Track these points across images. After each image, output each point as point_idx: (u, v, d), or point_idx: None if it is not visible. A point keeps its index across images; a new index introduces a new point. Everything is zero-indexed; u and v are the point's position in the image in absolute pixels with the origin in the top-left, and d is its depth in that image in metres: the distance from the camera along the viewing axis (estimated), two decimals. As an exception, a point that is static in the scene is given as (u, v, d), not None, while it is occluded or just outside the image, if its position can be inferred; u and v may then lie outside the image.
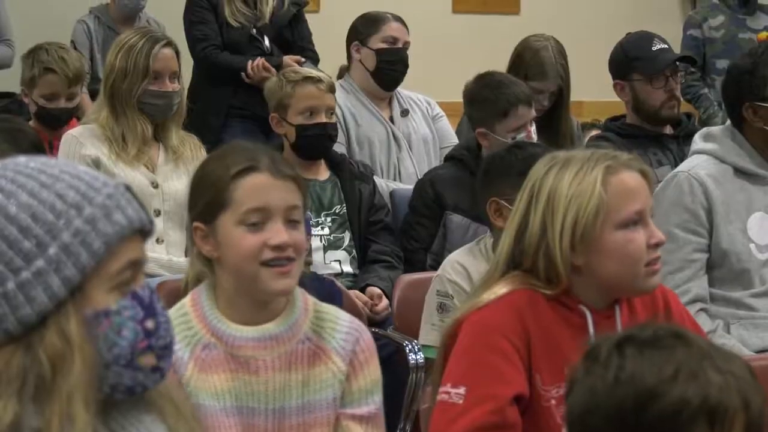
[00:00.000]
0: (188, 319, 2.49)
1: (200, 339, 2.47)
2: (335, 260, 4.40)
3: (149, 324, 1.67)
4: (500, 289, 2.49)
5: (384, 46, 5.10)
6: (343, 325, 2.54)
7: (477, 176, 3.70)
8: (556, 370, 2.43)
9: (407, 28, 5.19)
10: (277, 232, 2.43)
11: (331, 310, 2.59)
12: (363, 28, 5.15)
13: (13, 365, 1.57)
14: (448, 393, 2.44)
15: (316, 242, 4.36)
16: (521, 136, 4.35)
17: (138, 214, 1.67)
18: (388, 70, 5.09)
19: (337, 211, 4.44)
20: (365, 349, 2.54)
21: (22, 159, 1.67)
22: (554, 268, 2.44)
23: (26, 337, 1.59)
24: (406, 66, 5.13)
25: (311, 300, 2.58)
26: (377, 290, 4.26)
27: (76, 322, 1.60)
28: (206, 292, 2.51)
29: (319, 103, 4.40)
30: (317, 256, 4.36)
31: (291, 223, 2.46)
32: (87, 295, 1.63)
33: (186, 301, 2.52)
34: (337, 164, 4.52)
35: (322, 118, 4.40)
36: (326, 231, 4.40)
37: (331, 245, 4.40)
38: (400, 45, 5.13)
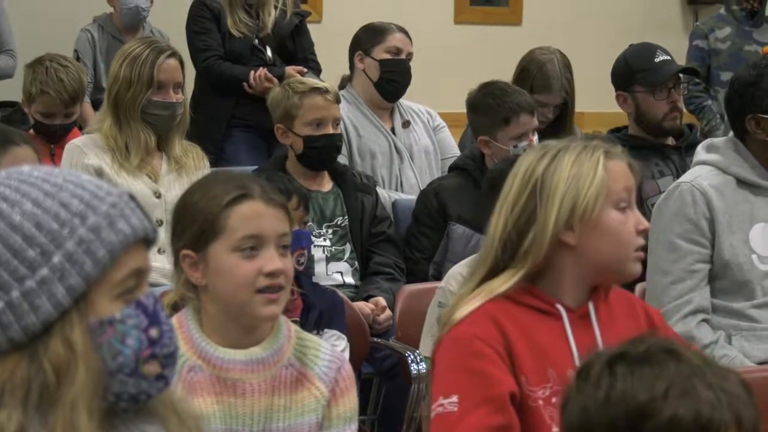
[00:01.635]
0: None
1: (186, 361, 2.48)
2: (337, 272, 4.40)
3: (153, 332, 1.68)
4: (471, 306, 2.49)
5: (388, 56, 5.10)
6: (325, 353, 2.59)
7: (483, 188, 3.69)
8: (540, 370, 2.44)
9: (411, 39, 5.19)
10: (271, 259, 2.47)
11: (313, 338, 2.64)
12: (367, 38, 5.15)
13: (18, 374, 1.57)
14: (442, 405, 2.43)
15: (318, 253, 4.36)
16: (523, 144, 4.37)
17: (142, 222, 1.68)
18: (392, 80, 5.09)
19: (338, 223, 4.44)
20: (346, 378, 2.59)
21: (25, 168, 1.67)
22: (538, 248, 2.45)
23: (31, 346, 1.59)
24: (410, 77, 5.14)
25: (293, 327, 2.63)
26: (382, 300, 4.25)
27: (81, 330, 1.60)
28: (191, 315, 2.53)
29: (327, 114, 4.42)
30: (319, 267, 4.36)
31: (283, 249, 2.49)
32: (91, 303, 1.62)
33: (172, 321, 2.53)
34: (340, 175, 4.52)
35: (329, 129, 4.42)
36: (327, 243, 4.40)
37: (333, 257, 4.40)
38: (403, 56, 5.13)
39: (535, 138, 4.43)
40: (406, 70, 5.12)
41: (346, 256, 4.43)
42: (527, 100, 4.46)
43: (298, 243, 3.37)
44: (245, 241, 2.46)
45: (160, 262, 3.93)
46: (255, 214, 2.47)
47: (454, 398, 2.41)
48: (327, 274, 4.37)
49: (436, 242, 4.39)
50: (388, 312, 4.22)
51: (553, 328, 2.51)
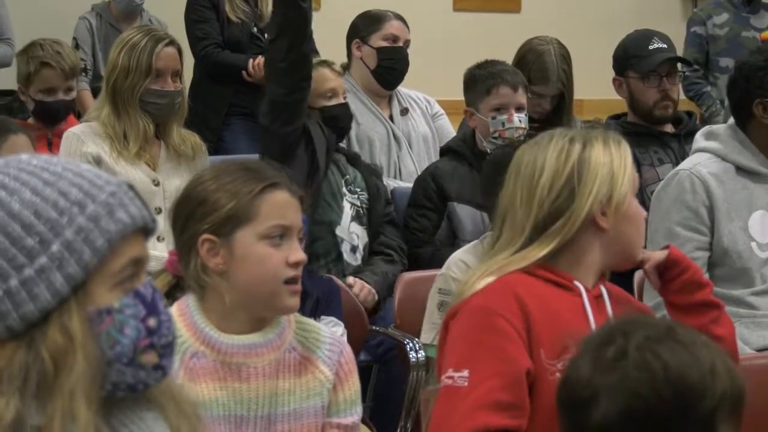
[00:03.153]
0: (176, 327, 2.49)
1: (188, 347, 2.48)
2: (356, 233, 4.42)
3: (151, 322, 1.67)
4: (491, 276, 2.51)
5: (385, 44, 5.10)
6: (326, 337, 2.60)
7: (484, 180, 3.67)
8: (558, 342, 2.43)
9: (408, 27, 5.19)
10: (296, 250, 2.49)
11: (311, 322, 2.65)
12: (364, 25, 5.15)
13: (15, 362, 1.57)
14: (451, 378, 2.41)
15: (347, 208, 4.41)
16: (502, 118, 4.41)
17: (141, 211, 1.67)
18: (389, 68, 5.09)
19: (359, 194, 4.48)
20: (348, 361, 2.61)
21: (24, 156, 1.67)
22: (570, 228, 2.50)
23: (28, 334, 1.58)
24: (407, 64, 5.13)
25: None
26: (355, 283, 4.26)
27: (79, 319, 1.60)
28: (194, 302, 2.52)
29: (337, 85, 4.52)
30: (344, 221, 4.40)
31: (299, 241, 2.51)
32: (89, 292, 1.62)
33: (172, 311, 2.49)
34: (353, 158, 4.59)
35: (341, 100, 4.52)
36: (358, 202, 4.46)
37: (357, 217, 4.44)
38: (401, 43, 5.13)
39: (517, 117, 4.43)
40: (403, 57, 5.12)
41: (364, 222, 4.48)
42: (514, 77, 4.51)
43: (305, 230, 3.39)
44: (274, 229, 2.46)
45: (159, 250, 3.92)
46: (285, 204, 2.49)
47: (465, 372, 2.40)
48: (349, 231, 4.39)
49: (436, 223, 4.42)
50: (365, 289, 4.23)
51: (571, 303, 2.52)
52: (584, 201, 2.50)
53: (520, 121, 4.45)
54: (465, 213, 4.36)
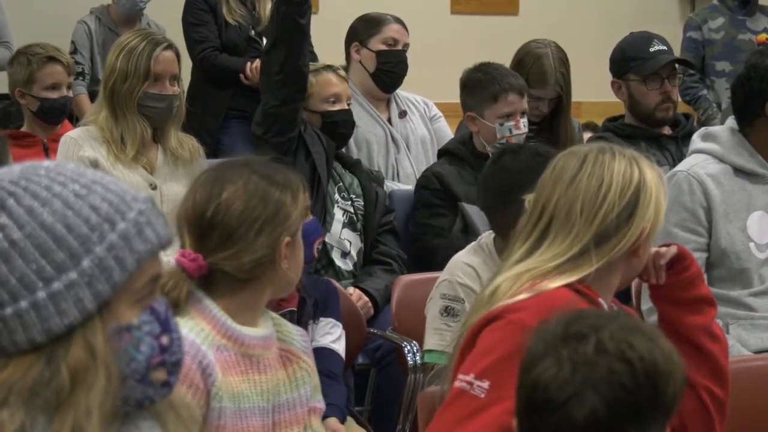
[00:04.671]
0: (197, 322, 2.53)
1: (212, 341, 2.52)
2: (348, 240, 4.42)
3: (164, 340, 1.67)
4: (537, 281, 2.45)
5: (384, 47, 5.10)
6: (295, 329, 2.74)
7: (490, 192, 3.61)
8: None
9: (407, 30, 5.19)
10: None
11: (275, 315, 2.75)
12: (363, 29, 5.14)
13: (30, 375, 1.55)
14: (470, 383, 2.36)
15: (338, 214, 4.42)
16: (509, 124, 4.41)
17: (165, 230, 1.67)
18: (388, 72, 5.09)
19: (354, 199, 4.47)
20: (311, 351, 2.76)
21: (50, 164, 1.64)
22: (622, 249, 2.47)
23: (49, 348, 1.57)
24: (406, 67, 5.13)
25: None
26: (355, 293, 4.26)
27: (103, 336, 1.59)
28: (205, 299, 2.56)
29: (340, 90, 4.53)
30: (335, 228, 4.40)
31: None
32: (113, 309, 1.61)
33: (187, 307, 2.54)
34: (354, 164, 4.58)
35: (344, 105, 4.52)
36: (351, 209, 4.44)
37: (349, 223, 4.43)
38: (400, 47, 5.13)
39: (522, 121, 4.44)
40: (402, 61, 5.12)
41: (358, 229, 4.46)
42: (519, 82, 4.51)
43: (317, 232, 3.41)
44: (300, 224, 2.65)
45: (166, 256, 3.92)
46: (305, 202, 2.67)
47: (485, 384, 2.34)
48: (339, 237, 4.39)
49: (453, 221, 4.39)
50: (362, 301, 4.23)
51: None
52: (640, 224, 2.47)
53: (524, 126, 4.46)
54: (474, 212, 4.34)
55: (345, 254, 4.40)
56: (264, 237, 2.56)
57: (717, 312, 2.71)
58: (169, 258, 3.83)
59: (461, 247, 3.94)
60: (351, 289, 4.26)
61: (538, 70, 4.93)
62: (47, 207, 1.58)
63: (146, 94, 4.11)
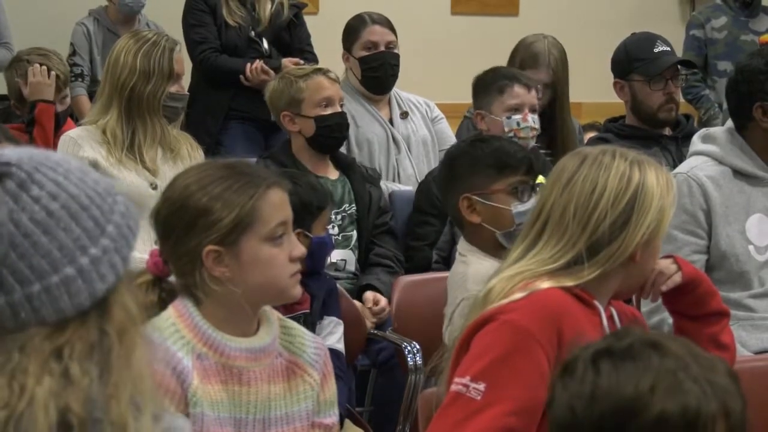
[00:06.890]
0: (178, 328, 2.50)
1: (193, 348, 2.49)
2: (341, 259, 4.40)
3: None
4: (530, 282, 2.45)
5: (365, 53, 5.09)
6: (310, 340, 2.64)
7: (439, 175, 3.66)
8: None
9: (390, 27, 5.15)
10: (296, 245, 2.53)
11: (294, 324, 2.67)
12: (346, 37, 5.18)
13: (85, 338, 1.59)
14: (466, 386, 2.36)
15: (332, 231, 4.39)
16: (517, 117, 4.40)
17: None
18: (372, 77, 5.08)
19: (346, 210, 4.45)
20: (328, 363, 2.66)
21: (57, 155, 1.69)
22: (622, 253, 2.45)
23: (95, 312, 1.61)
24: (392, 67, 5.10)
25: (276, 314, 2.65)
26: (371, 294, 4.24)
27: (130, 296, 1.64)
28: (191, 306, 2.52)
29: (333, 93, 4.46)
30: None
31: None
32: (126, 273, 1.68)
33: (170, 313, 2.52)
34: (348, 165, 4.54)
35: (338, 108, 4.46)
36: (336, 230, 4.41)
37: (338, 244, 4.40)
38: (381, 47, 5.11)
39: (532, 116, 4.44)
40: (385, 62, 5.08)
41: (352, 243, 4.44)
42: (525, 77, 4.53)
43: (332, 246, 3.41)
44: (278, 228, 2.48)
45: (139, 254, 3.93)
46: (281, 201, 2.51)
47: (481, 386, 2.35)
48: (331, 260, 4.38)
49: (440, 229, 4.39)
50: (382, 303, 4.21)
51: (593, 323, 2.47)
52: (638, 232, 2.45)
53: (533, 121, 4.45)
54: None
55: (338, 269, 4.37)
56: (186, 246, 2.47)
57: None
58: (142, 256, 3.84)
59: (428, 259, 4.01)
60: (369, 294, 4.23)
61: (531, 54, 4.96)
62: (68, 179, 1.63)
63: (168, 94, 4.11)
